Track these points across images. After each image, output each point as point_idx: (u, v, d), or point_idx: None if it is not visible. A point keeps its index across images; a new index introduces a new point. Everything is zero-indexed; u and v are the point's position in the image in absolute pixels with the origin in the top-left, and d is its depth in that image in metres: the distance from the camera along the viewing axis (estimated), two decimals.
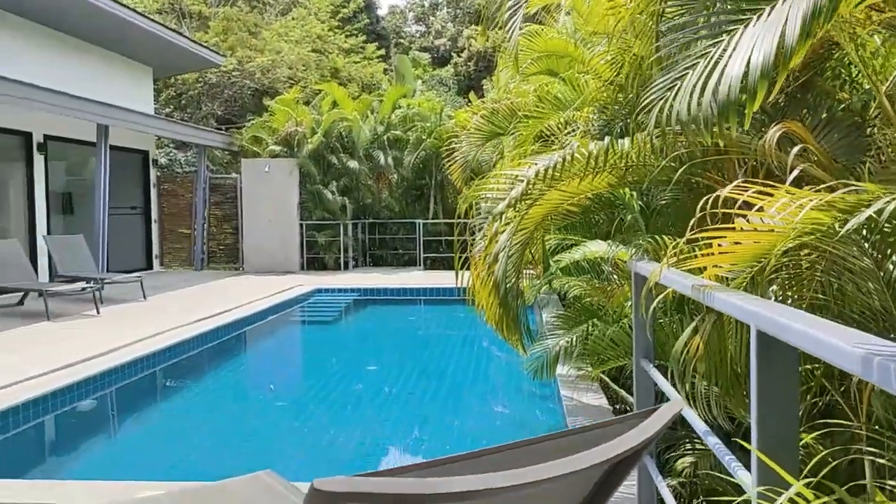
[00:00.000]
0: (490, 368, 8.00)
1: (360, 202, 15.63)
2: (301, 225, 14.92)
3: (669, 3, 2.49)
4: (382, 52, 28.50)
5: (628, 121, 3.50)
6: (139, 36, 13.48)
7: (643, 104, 2.14)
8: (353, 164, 14.81)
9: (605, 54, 3.63)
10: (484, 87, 18.23)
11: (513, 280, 3.29)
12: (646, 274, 2.40)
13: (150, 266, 15.57)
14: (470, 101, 18.20)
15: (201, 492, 2.33)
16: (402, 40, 39.01)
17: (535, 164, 2.76)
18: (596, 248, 3.99)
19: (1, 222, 12.17)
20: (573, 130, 4.10)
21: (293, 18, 22.49)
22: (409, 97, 16.91)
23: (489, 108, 6.20)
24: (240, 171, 15.65)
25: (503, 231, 3.00)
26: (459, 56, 33.14)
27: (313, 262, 15.20)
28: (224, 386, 7.30)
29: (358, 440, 5.41)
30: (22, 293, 9.86)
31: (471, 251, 4.15)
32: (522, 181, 2.72)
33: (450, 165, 7.62)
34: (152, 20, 14.32)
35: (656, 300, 2.19)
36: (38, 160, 12.08)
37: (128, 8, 13.29)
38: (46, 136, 12.16)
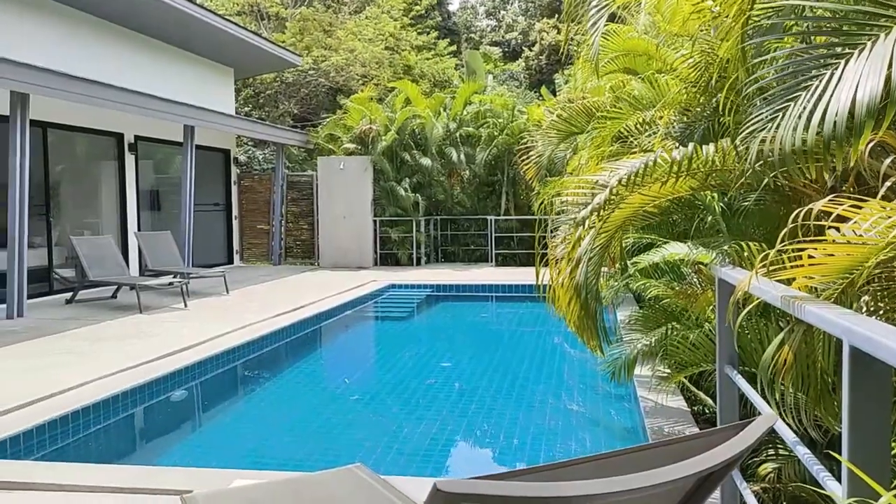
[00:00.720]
0: (564, 366, 8.00)
1: (432, 198, 15.80)
2: (374, 221, 15.20)
3: (756, 7, 2.47)
4: (454, 48, 28.61)
5: (711, 123, 3.47)
6: (223, 39, 14.00)
7: (742, 133, 2.15)
8: (425, 161, 14.98)
9: (688, 57, 3.60)
10: (556, 81, 18.10)
11: (593, 284, 3.31)
12: (731, 281, 2.40)
13: (230, 261, 16.16)
14: (541, 95, 18.12)
15: (298, 482, 2.46)
16: (472, 35, 39.06)
17: (618, 169, 2.79)
18: (675, 250, 3.96)
19: (97, 218, 12.88)
20: (653, 132, 4.07)
21: (366, 17, 22.83)
22: (480, 93, 16.95)
23: (564, 108, 6.18)
24: (315, 168, 16.06)
25: (585, 237, 3.03)
26: (531, 50, 32.95)
27: (386, 257, 15.47)
28: (303, 379, 7.55)
29: (431, 435, 5.52)
30: (116, 287, 10.41)
31: (549, 249, 4.18)
32: (604, 188, 2.75)
33: (523, 163, 7.66)
34: (235, 24, 14.84)
35: (744, 312, 2.19)
36: (129, 159, 12.71)
37: (213, 13, 13.82)
38: (137, 137, 12.78)
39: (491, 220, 15.35)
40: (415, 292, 12.33)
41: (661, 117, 4.29)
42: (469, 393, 6.71)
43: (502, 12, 42.47)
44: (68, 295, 10.32)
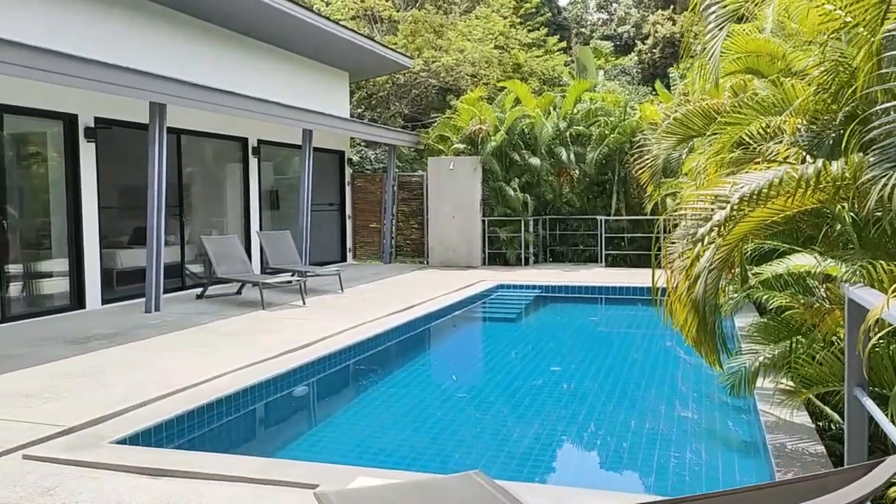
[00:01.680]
0: (676, 371, 7.82)
1: (540, 198, 15.76)
2: (483, 221, 15.32)
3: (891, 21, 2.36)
4: (563, 44, 28.29)
5: (841, 132, 3.32)
6: (339, 45, 14.51)
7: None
8: (534, 160, 14.94)
9: (818, 63, 3.45)
10: (670, 75, 17.53)
11: (712, 298, 3.25)
12: (862, 304, 2.31)
13: (343, 258, 16.75)
14: (655, 90, 17.64)
15: (423, 486, 2.58)
16: (583, 30, 38.46)
17: (740, 185, 2.73)
18: (801, 261, 3.80)
19: (222, 217, 13.70)
20: (779, 140, 3.93)
21: (476, 17, 22.97)
22: (591, 91, 16.72)
23: (681, 110, 6.03)
24: (425, 167, 16.36)
25: (704, 253, 2.98)
26: (644, 43, 32.08)
27: (495, 257, 15.55)
28: (415, 377, 7.76)
29: (540, 439, 5.56)
30: (240, 283, 11.03)
31: (664, 253, 4.11)
32: (726, 203, 2.70)
33: (637, 167, 7.51)
34: (351, 30, 15.35)
35: (875, 337, 2.11)
36: (253, 162, 13.42)
37: (330, 20, 14.36)
38: (260, 141, 13.48)
39: (601, 220, 15.12)
40: (523, 293, 12.35)
41: (786, 122, 4.13)
42: (578, 396, 6.69)
43: (614, 5, 41.58)
44: (198, 290, 11.04)
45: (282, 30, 13.00)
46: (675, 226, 4.01)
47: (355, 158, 18.15)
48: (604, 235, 15.10)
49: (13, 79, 7.53)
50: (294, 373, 6.31)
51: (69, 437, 4.35)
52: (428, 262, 15.91)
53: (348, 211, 16.91)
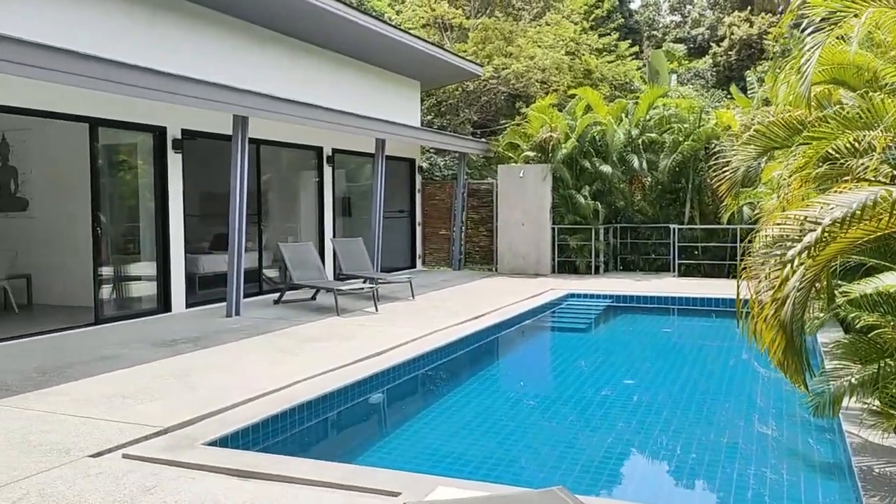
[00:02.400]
0: (755, 387, 7.64)
1: (612, 206, 15.60)
2: (553, 229, 15.26)
3: None
4: (635, 48, 27.89)
5: None
6: (412, 55, 14.74)
7: None
8: (605, 168, 14.81)
9: None
10: (747, 78, 17.08)
11: (799, 319, 3.20)
12: None
13: (413, 265, 16.96)
14: (731, 94, 17.24)
15: (506, 501, 2.64)
16: (655, 33, 37.83)
17: (831, 206, 2.69)
18: (892, 281, 3.70)
19: (297, 224, 14.11)
20: (869, 156, 3.83)
21: (546, 23, 22.91)
22: (665, 97, 16.46)
23: (762, 122, 5.91)
24: (495, 174, 16.42)
25: (792, 275, 2.94)
26: (719, 46, 31.34)
27: (564, 265, 15.47)
28: (487, 386, 7.82)
29: (615, 452, 5.53)
30: (315, 290, 11.33)
31: (746, 265, 4.04)
32: (815, 225, 2.67)
33: (716, 178, 7.38)
34: (423, 40, 15.57)
35: None
36: (327, 171, 13.76)
37: (403, 31, 14.63)
38: (334, 150, 13.81)
39: (674, 228, 14.85)
40: (594, 302, 12.25)
41: (876, 137, 4.02)
42: (653, 409, 6.62)
43: (688, 7, 40.74)
44: (275, 295, 11.39)
45: (357, 41, 13.30)
46: (755, 238, 3.95)
47: (425, 165, 18.36)
48: (677, 244, 14.83)
49: (108, 94, 7.99)
50: (370, 380, 6.46)
51: (164, 438, 4.59)
52: (497, 270, 15.95)
53: (418, 218, 17.12)
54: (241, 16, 11.18)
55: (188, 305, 10.44)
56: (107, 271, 9.79)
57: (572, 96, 17.65)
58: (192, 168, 10.51)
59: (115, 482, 3.84)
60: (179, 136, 10.20)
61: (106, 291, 9.69)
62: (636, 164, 14.88)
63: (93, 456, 4.24)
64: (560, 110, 16.65)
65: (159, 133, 9.99)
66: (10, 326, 8.87)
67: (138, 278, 10.46)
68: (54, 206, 10.65)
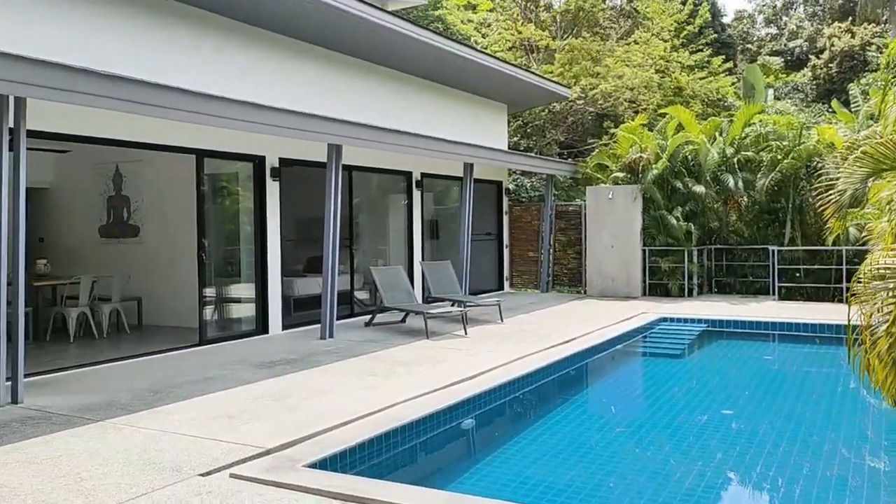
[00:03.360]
0: (864, 418, 7.22)
1: (705, 227, 15.15)
2: (644, 250, 14.95)
3: None
4: (729, 64, 27.11)
5: None
6: (499, 78, 14.87)
7: None
8: (698, 188, 14.42)
9: None
10: (850, 91, 16.30)
11: None
12: None
13: (500, 287, 16.97)
14: (832, 108, 16.48)
15: None
16: (749, 46, 36.69)
17: None
18: None
19: (385, 246, 14.40)
20: None
21: (635, 42, 22.63)
22: (762, 114, 15.92)
23: (870, 142, 5.65)
24: (582, 195, 16.26)
25: None
26: (818, 58, 30.09)
27: (655, 287, 15.10)
28: (578, 414, 7.72)
29: (715, 485, 5.35)
30: (405, 312, 11.50)
31: (853, 292, 3.87)
32: None
33: (818, 198, 7.08)
34: (510, 63, 15.70)
35: None
36: (416, 195, 14.01)
37: (489, 55, 14.78)
38: (423, 174, 14.06)
39: (773, 250, 14.27)
40: (688, 326, 11.90)
41: None
42: (755, 441, 6.36)
43: (784, 18, 39.38)
44: (366, 318, 11.64)
45: (445, 67, 13.54)
46: (864, 263, 3.78)
47: (511, 187, 18.41)
48: (776, 266, 14.23)
49: (213, 127, 8.45)
50: (462, 405, 6.50)
51: (267, 459, 4.77)
52: (586, 292, 15.75)
53: (505, 240, 17.14)
54: (334, 48, 11.59)
55: (284, 327, 10.81)
56: (210, 294, 10.29)
57: (662, 115, 17.33)
58: (287, 194, 10.92)
59: (224, 502, 4.02)
60: (277, 165, 10.63)
61: (209, 313, 10.18)
62: (731, 183, 14.42)
63: (203, 475, 4.45)
64: (650, 130, 16.38)
65: (258, 162, 10.45)
66: (123, 347, 9.44)
67: (238, 301, 10.93)
68: (162, 232, 11.29)
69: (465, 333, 10.27)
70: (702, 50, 24.76)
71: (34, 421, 5.74)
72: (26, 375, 6.61)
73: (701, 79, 23.08)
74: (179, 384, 7.09)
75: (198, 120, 7.79)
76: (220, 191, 11.00)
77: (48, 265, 10.90)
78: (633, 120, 17.05)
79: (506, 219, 17.16)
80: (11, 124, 6.29)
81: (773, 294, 14.26)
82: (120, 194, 11.87)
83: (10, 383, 6.36)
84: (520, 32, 23.60)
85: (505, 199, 17.14)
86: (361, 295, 13.09)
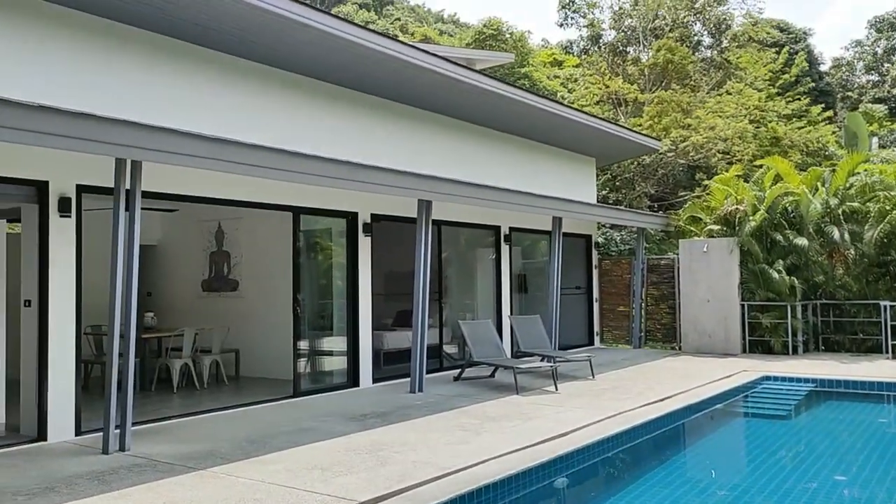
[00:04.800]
0: None
1: (809, 281, 14.43)
2: (742, 305, 14.34)
3: None
4: (829, 113, 26.18)
5: None
6: (588, 133, 14.88)
7: None
8: (801, 241, 13.80)
9: None
10: None
11: None
12: None
13: (590, 342, 16.61)
14: None
15: None
16: (850, 94, 35.39)
17: None
18: None
19: (473, 300, 14.41)
20: None
21: (727, 93, 22.24)
22: (867, 163, 15.21)
23: None
24: (675, 248, 15.86)
25: None
26: None
27: (756, 344, 14.40)
28: (677, 477, 7.37)
29: None
30: (494, 367, 11.41)
31: None
32: None
33: None
34: (599, 118, 15.70)
35: None
36: (504, 249, 14.04)
37: (577, 109, 14.86)
38: (511, 228, 14.10)
39: (885, 305, 13.40)
40: (793, 386, 11.25)
41: None
42: None
43: (886, 65, 37.83)
44: (455, 372, 11.61)
45: (534, 123, 13.68)
46: None
47: (600, 241, 18.18)
48: (889, 323, 13.33)
49: (309, 185, 8.80)
50: (555, 462, 6.33)
51: None
52: (681, 348, 15.20)
53: (595, 294, 16.85)
54: (425, 106, 11.93)
55: (374, 380, 10.91)
56: (304, 347, 10.54)
57: (758, 166, 16.84)
58: (377, 249, 11.15)
59: None
60: (369, 220, 10.92)
61: (303, 366, 10.41)
62: (836, 235, 13.74)
63: None
64: (746, 181, 15.91)
65: (351, 218, 10.77)
66: (222, 397, 9.76)
67: (330, 354, 11.15)
68: (260, 286, 11.72)
69: (556, 389, 10.07)
70: (799, 99, 24.05)
71: (140, 468, 5.98)
72: (133, 424, 6.91)
73: (799, 128, 22.34)
74: (275, 435, 7.24)
75: (295, 178, 8.11)
76: (314, 246, 11.36)
77: (154, 318, 11.49)
78: (726, 171, 16.62)
79: (595, 272, 16.90)
80: (128, 186, 6.75)
81: (887, 352, 13.34)
82: (221, 250, 12.45)
83: (119, 431, 6.66)
84: (607, 86, 23.65)
85: (594, 253, 16.92)
86: (450, 349, 13.10)
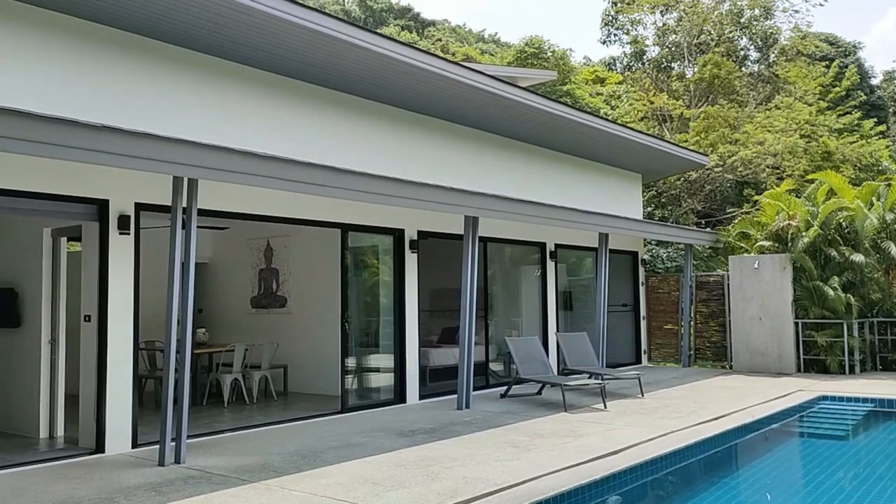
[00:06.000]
0: None
1: (865, 298, 14.01)
2: (796, 323, 13.98)
3: None
4: (882, 127, 25.53)
5: None
6: (633, 149, 14.78)
7: None
8: (856, 257, 13.43)
9: None
10: None
11: None
12: None
13: (638, 361, 16.36)
14: None
15: None
16: None
17: None
18: None
19: (519, 318, 14.33)
20: None
21: (777, 107, 21.87)
22: None
23: None
24: (722, 265, 15.56)
25: None
26: None
27: (811, 364, 14.01)
28: (730, 497, 7.18)
29: None
30: (541, 384, 11.31)
31: None
32: None
33: None
34: (645, 133, 15.59)
35: None
36: (550, 265, 13.96)
37: (623, 125, 14.76)
38: (557, 245, 14.02)
39: None
40: (853, 406, 10.89)
41: None
42: None
43: None
44: (502, 389, 11.54)
45: (579, 139, 13.65)
46: None
47: (646, 257, 17.95)
48: None
49: (356, 202, 8.90)
50: (607, 481, 6.23)
51: None
52: (732, 367, 14.87)
53: (642, 312, 16.62)
54: (470, 124, 12.01)
55: (421, 397, 10.91)
56: (351, 363, 10.61)
57: (809, 181, 16.47)
58: (423, 265, 11.19)
59: None
60: (415, 237, 10.98)
61: (350, 382, 10.47)
62: (893, 251, 13.33)
63: None
64: (797, 196, 15.57)
65: (398, 235, 10.85)
66: (272, 412, 9.88)
67: (377, 370, 11.19)
68: (307, 302, 11.86)
69: (605, 407, 9.93)
70: (850, 113, 23.51)
71: (195, 480, 6.07)
72: (187, 437, 7.03)
73: (851, 143, 21.82)
74: (325, 449, 7.29)
75: (344, 195, 8.21)
76: (360, 263, 11.47)
77: (206, 334, 11.71)
78: (776, 187, 16.30)
79: (642, 289, 16.68)
80: (185, 203, 6.93)
81: None
82: (270, 267, 12.65)
83: (174, 444, 6.79)
84: (652, 102, 23.46)
85: (641, 270, 16.71)
86: (495, 366, 13.04)
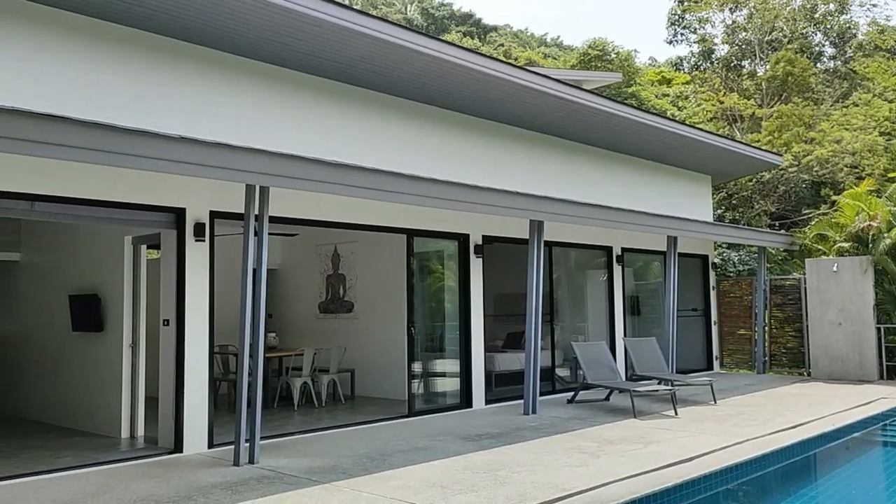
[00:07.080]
0: None
1: None
2: (878, 329, 13.36)
3: None
4: None
5: None
6: (703, 150, 14.43)
7: None
8: None
9: None
10: None
11: None
12: None
13: (709, 367, 15.92)
14: None
15: None
16: None
17: None
18: None
19: (585, 322, 14.15)
20: None
21: (854, 104, 21.00)
22: None
23: None
24: (798, 268, 15.01)
25: None
26: None
27: (895, 370, 13.35)
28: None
29: None
30: (609, 390, 11.14)
31: None
32: None
33: None
34: (714, 134, 15.20)
35: None
36: (617, 270, 13.75)
37: (692, 126, 14.44)
38: (623, 249, 13.80)
39: None
40: None
41: None
42: None
43: None
44: (568, 394, 11.42)
45: (646, 141, 13.41)
46: None
47: (716, 260, 17.47)
48: None
49: (421, 208, 8.98)
50: (679, 489, 6.09)
51: None
52: (810, 374, 14.31)
53: (713, 316, 16.17)
54: (535, 128, 11.96)
55: (487, 402, 10.89)
56: (417, 368, 10.69)
57: (891, 180, 15.75)
58: (488, 270, 11.19)
59: None
60: (480, 242, 10.99)
61: (416, 386, 10.55)
62: None
63: None
64: (878, 196, 14.91)
65: (463, 240, 10.88)
66: (339, 415, 10.03)
67: (443, 375, 11.23)
68: (374, 307, 12.00)
69: (675, 414, 9.71)
70: None
71: (269, 480, 6.23)
72: (260, 439, 7.21)
73: None
74: (392, 452, 7.36)
75: (410, 201, 8.30)
76: (425, 268, 11.55)
77: (276, 338, 11.99)
78: (855, 186, 15.64)
79: (713, 294, 16.24)
80: (257, 211, 7.12)
81: None
82: (337, 272, 12.87)
83: (248, 444, 6.98)
84: (721, 102, 22.87)
85: (711, 274, 16.27)
86: (561, 371, 12.91)
